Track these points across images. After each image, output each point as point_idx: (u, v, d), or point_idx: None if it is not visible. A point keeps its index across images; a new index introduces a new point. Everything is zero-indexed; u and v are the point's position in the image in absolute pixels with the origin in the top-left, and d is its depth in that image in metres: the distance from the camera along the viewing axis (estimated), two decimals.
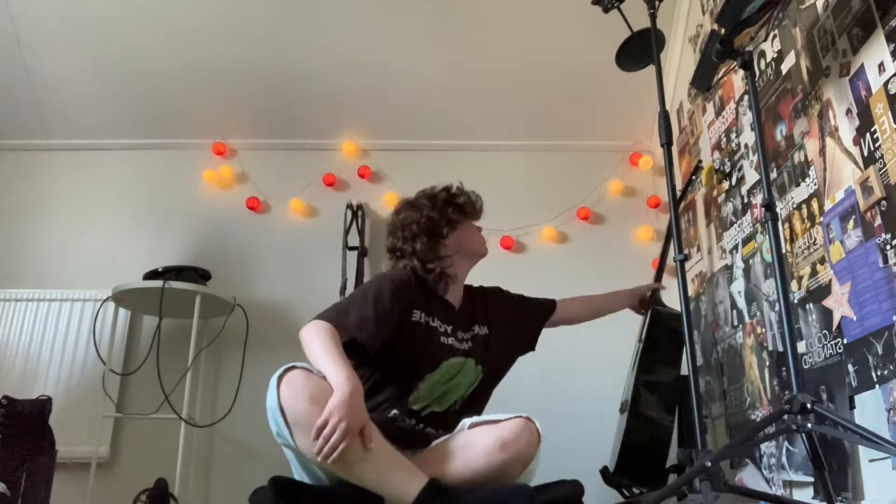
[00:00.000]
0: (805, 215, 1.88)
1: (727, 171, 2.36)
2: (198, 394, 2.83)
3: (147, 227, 3.13)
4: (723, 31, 1.68)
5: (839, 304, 1.70)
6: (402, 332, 1.73)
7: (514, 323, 2.00)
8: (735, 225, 2.32)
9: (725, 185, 2.39)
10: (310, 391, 1.46)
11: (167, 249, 3.06)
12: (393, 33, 2.92)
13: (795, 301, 1.89)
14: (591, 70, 2.88)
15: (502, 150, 3.25)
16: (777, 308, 1.99)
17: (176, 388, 2.64)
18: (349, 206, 3.09)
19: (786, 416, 1.38)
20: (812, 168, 1.85)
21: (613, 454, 2.23)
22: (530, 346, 2.07)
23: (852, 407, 1.62)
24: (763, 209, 1.54)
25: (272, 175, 3.21)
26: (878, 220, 1.56)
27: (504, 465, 1.53)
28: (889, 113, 1.54)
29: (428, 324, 1.79)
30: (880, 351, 1.54)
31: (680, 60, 2.87)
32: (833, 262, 1.74)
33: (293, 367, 1.51)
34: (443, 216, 1.89)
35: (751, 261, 2.20)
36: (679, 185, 2.73)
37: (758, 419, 2.10)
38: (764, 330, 2.09)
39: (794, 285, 1.91)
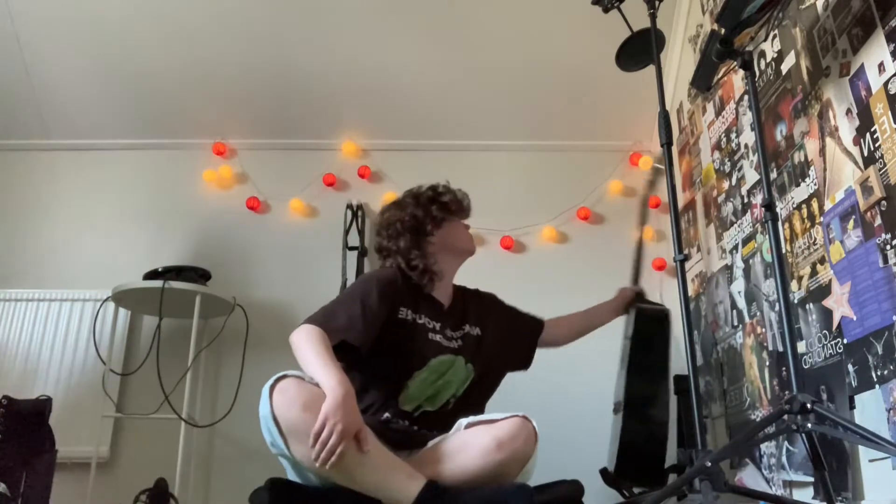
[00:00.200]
0: (805, 215, 1.87)
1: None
2: (198, 394, 2.83)
3: (147, 227, 3.13)
4: (723, 30, 1.68)
5: (839, 304, 1.70)
6: (389, 330, 1.73)
7: (509, 330, 1.99)
8: (735, 225, 2.32)
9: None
10: (303, 399, 1.44)
11: (167, 249, 3.06)
12: (393, 33, 2.92)
13: (795, 301, 1.89)
14: (591, 70, 2.88)
15: (502, 150, 3.25)
16: (777, 308, 1.99)
17: (176, 388, 2.64)
18: (349, 206, 3.08)
19: (786, 416, 1.38)
20: (812, 168, 1.85)
21: (611, 455, 2.22)
22: (524, 362, 2.05)
23: (852, 407, 1.62)
24: (763, 209, 1.54)
25: (272, 175, 3.21)
26: (878, 220, 1.56)
27: (501, 465, 1.52)
28: (889, 113, 1.54)
29: (415, 321, 1.79)
30: (880, 351, 1.53)
31: (680, 60, 2.87)
32: (833, 262, 1.73)
33: (285, 376, 1.49)
34: (427, 214, 1.90)
35: (751, 261, 2.20)
36: (679, 186, 2.72)
37: (758, 419, 2.10)
38: (764, 330, 2.09)
39: (794, 285, 1.91)
